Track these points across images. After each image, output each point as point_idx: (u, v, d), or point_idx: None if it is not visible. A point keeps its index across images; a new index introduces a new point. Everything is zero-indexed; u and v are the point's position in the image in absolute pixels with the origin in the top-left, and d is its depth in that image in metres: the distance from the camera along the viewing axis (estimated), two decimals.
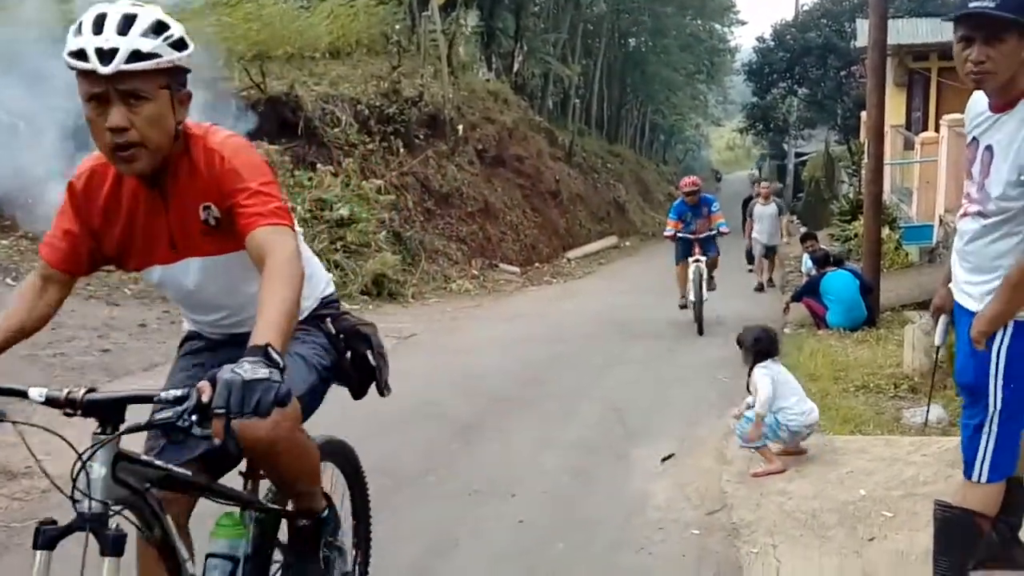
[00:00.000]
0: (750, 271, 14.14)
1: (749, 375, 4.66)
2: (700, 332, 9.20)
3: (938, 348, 3.25)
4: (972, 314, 2.65)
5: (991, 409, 2.62)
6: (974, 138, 2.69)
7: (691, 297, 9.40)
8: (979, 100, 2.70)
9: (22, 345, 6.46)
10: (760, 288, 13.16)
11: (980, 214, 2.63)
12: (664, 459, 4.76)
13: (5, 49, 7.39)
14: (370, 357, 2.68)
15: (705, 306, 9.50)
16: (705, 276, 9.47)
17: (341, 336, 2.63)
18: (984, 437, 2.63)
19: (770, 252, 13.37)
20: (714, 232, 9.82)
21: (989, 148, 2.60)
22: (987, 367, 2.61)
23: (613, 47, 35.41)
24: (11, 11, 8.72)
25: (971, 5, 2.48)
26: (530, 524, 4.01)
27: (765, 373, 4.53)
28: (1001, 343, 2.58)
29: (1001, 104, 2.57)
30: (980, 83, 2.56)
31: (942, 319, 3.05)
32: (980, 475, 2.65)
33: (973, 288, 2.67)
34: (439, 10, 17.77)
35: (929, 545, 2.87)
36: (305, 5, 17.52)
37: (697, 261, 9.50)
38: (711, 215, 9.89)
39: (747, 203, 13.20)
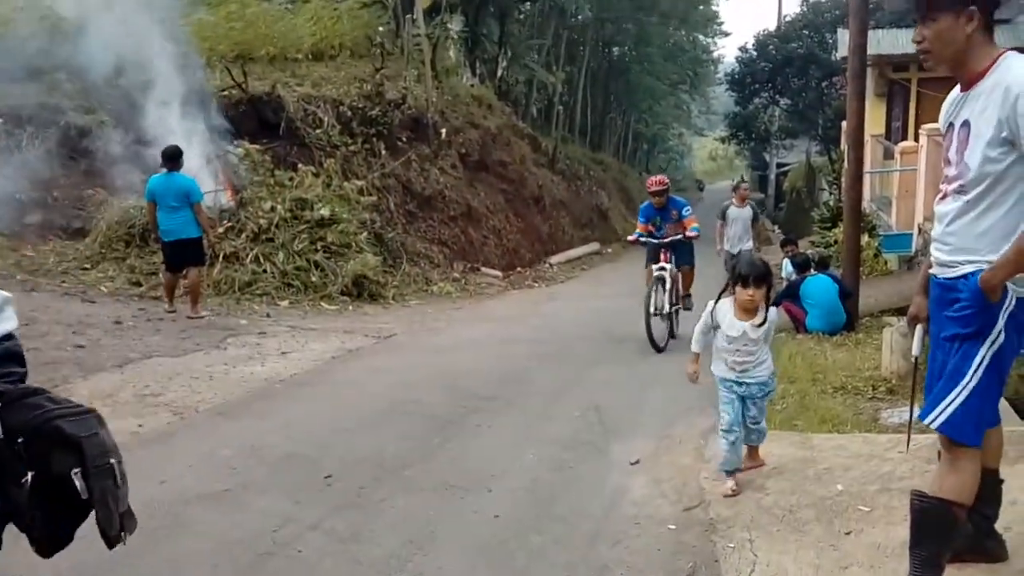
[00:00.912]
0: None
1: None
2: (657, 349, 8.19)
3: (916, 357, 3.22)
4: (967, 276, 2.62)
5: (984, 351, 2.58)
6: (950, 124, 2.73)
7: (650, 307, 8.21)
8: (952, 94, 2.79)
9: None
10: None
11: (961, 190, 2.64)
12: (633, 463, 4.73)
13: None
14: (77, 482, 1.63)
15: (675, 323, 8.87)
16: (669, 285, 8.54)
17: (18, 440, 1.57)
18: (964, 385, 2.60)
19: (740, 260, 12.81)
20: (681, 237, 8.79)
21: (965, 123, 2.65)
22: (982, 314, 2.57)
23: (597, 55, 35.57)
24: None
25: None
26: (507, 518, 3.98)
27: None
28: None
29: (967, 84, 2.66)
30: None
31: (918, 329, 3.05)
32: (936, 419, 2.65)
33: (971, 269, 2.62)
34: (423, 14, 17.75)
35: (906, 538, 2.86)
36: (288, 6, 17.48)
37: (661, 269, 8.57)
38: (682, 220, 8.88)
39: (725, 211, 12.25)
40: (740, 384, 4.18)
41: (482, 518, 3.99)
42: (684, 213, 8.93)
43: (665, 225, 8.93)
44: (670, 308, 8.68)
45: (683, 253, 8.98)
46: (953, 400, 2.61)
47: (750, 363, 4.16)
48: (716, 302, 4.25)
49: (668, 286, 8.50)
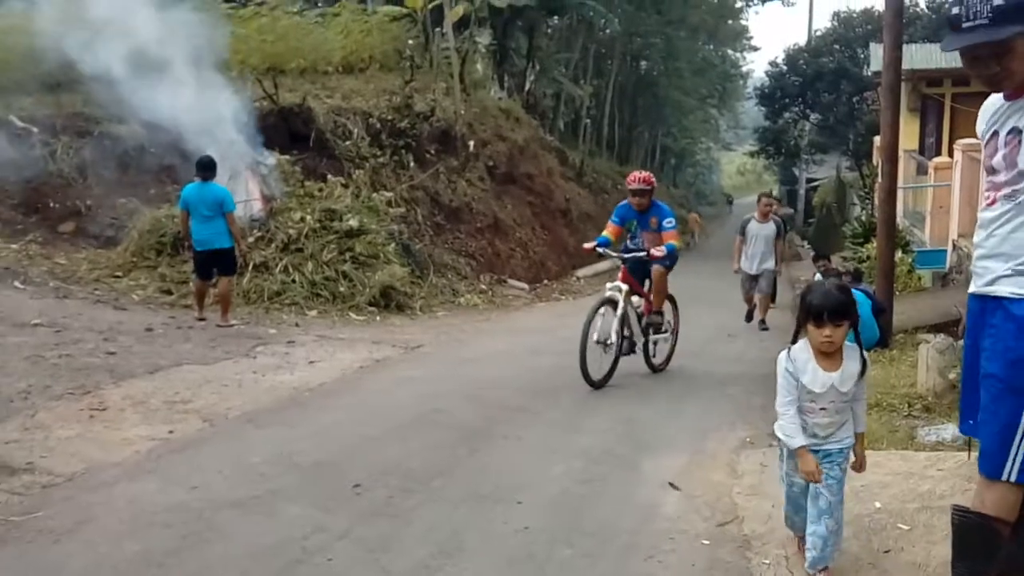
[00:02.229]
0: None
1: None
2: (591, 383, 6.79)
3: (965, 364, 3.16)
4: (1003, 302, 2.58)
5: None
6: (994, 132, 2.68)
7: (589, 332, 6.70)
8: (991, 101, 2.74)
9: (28, 347, 6.50)
10: (749, 318, 11.26)
11: (1012, 194, 2.60)
12: (672, 485, 4.60)
13: None
14: None
15: (652, 352, 7.74)
16: (622, 311, 7.05)
17: None
18: (1020, 434, 2.54)
19: (758, 284, 11.05)
20: (644, 255, 7.35)
21: (1014, 129, 2.61)
22: None
23: (625, 69, 35.57)
24: None
25: (965, 31, 2.49)
26: (537, 530, 3.94)
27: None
28: None
29: (1015, 92, 2.61)
30: (998, 87, 2.63)
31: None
32: (1011, 474, 2.56)
33: (1005, 271, 2.59)
34: (453, 28, 17.86)
35: (947, 557, 2.80)
36: (319, 19, 17.67)
37: (616, 289, 7.12)
38: (662, 231, 7.41)
39: (744, 227, 11.21)
40: (817, 451, 3.22)
41: (511, 530, 3.95)
42: (665, 224, 7.43)
43: (641, 233, 7.59)
44: (637, 342, 7.46)
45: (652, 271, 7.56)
46: (1018, 451, 2.56)
47: (836, 424, 3.22)
48: (790, 347, 3.24)
49: (620, 311, 6.99)
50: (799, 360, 3.18)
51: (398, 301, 11.68)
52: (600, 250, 7.52)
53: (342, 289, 11.17)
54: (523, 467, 4.94)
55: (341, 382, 7.14)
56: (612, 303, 7.00)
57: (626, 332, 7.26)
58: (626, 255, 7.40)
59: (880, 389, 6.56)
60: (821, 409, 3.17)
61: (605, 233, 7.62)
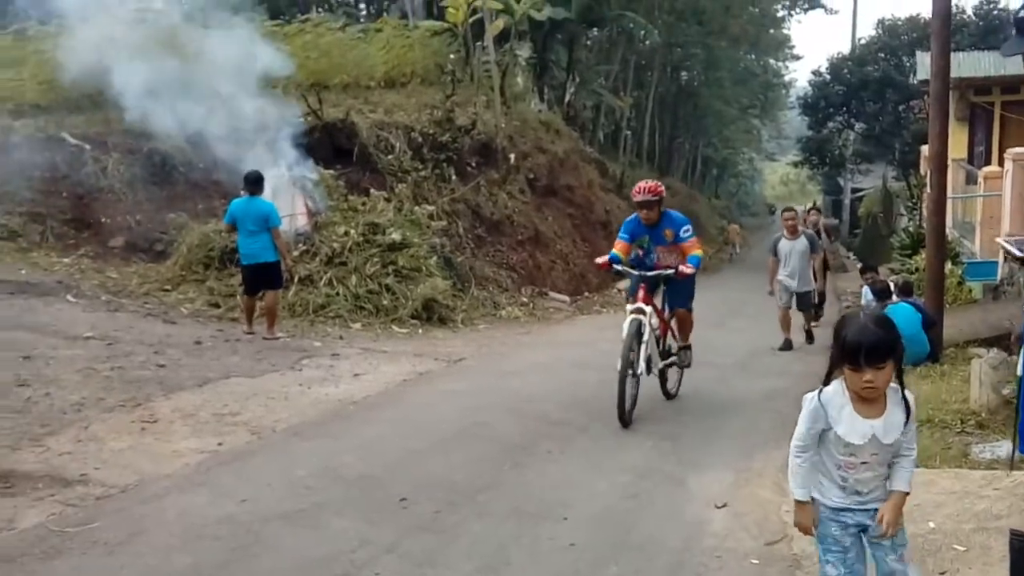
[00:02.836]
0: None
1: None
2: (624, 422, 6.11)
3: (1021, 379, 3.10)
4: None
5: None
6: None
7: (628, 365, 6.04)
8: None
9: (81, 359, 6.63)
10: (787, 347, 10.15)
11: None
12: (719, 506, 4.53)
13: None
14: None
15: (668, 379, 7.11)
16: (647, 335, 6.33)
17: None
18: None
19: (802, 302, 10.42)
20: (673, 272, 6.57)
21: None
22: None
23: (665, 80, 35.45)
24: None
25: None
26: (582, 546, 3.93)
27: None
28: None
29: None
30: None
31: None
32: None
33: None
34: (493, 41, 17.98)
35: None
36: (361, 35, 17.90)
37: (639, 312, 6.30)
38: (679, 242, 6.68)
39: (775, 245, 10.47)
40: (857, 512, 2.73)
41: (557, 546, 3.94)
42: (683, 235, 6.68)
43: (655, 248, 6.79)
44: (654, 365, 6.69)
45: (676, 291, 6.85)
46: None
47: (882, 477, 2.72)
48: (821, 388, 2.72)
49: (647, 336, 6.30)
50: (832, 406, 2.65)
51: (440, 314, 11.73)
52: (618, 267, 6.68)
53: (385, 302, 11.26)
54: (568, 482, 4.93)
55: (385, 395, 7.19)
56: (638, 327, 6.24)
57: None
58: (649, 273, 6.56)
59: (932, 405, 6.43)
60: (862, 463, 2.66)
61: (615, 251, 6.75)
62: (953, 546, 3.59)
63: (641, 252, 6.87)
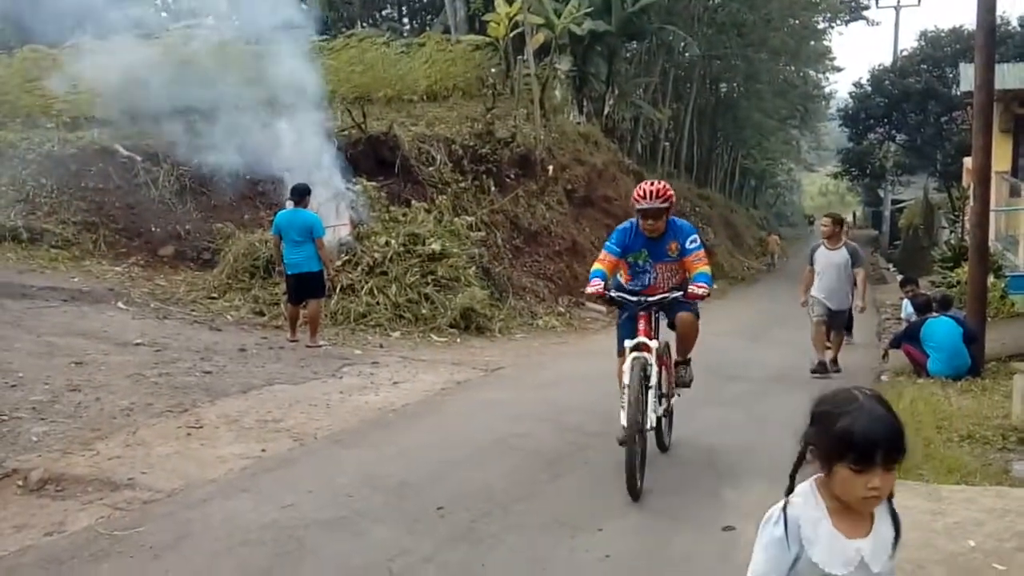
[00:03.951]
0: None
1: None
2: (635, 494, 4.72)
3: None
4: None
5: None
6: None
7: (636, 419, 4.74)
8: None
9: (131, 365, 6.81)
10: (821, 369, 9.12)
11: None
12: (725, 528, 4.41)
13: None
14: None
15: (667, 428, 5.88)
16: (655, 379, 5.10)
17: None
18: None
19: (835, 320, 9.36)
20: (680, 295, 5.31)
21: None
22: None
23: (704, 92, 35.33)
24: None
25: None
26: (619, 559, 3.96)
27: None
28: None
29: None
30: None
31: None
32: None
33: None
34: (533, 55, 18.13)
35: None
36: (405, 50, 18.17)
37: (641, 347, 5.03)
38: (685, 257, 5.44)
39: (813, 254, 9.56)
40: None
41: (593, 558, 3.98)
42: (689, 246, 5.42)
43: (654, 266, 5.51)
44: (660, 414, 5.51)
45: (680, 309, 5.51)
46: None
47: None
48: (786, 500, 2.01)
49: (654, 381, 5.06)
50: (805, 522, 1.95)
51: (478, 323, 11.84)
52: (614, 295, 5.33)
53: (424, 311, 11.40)
54: (603, 494, 4.95)
55: (424, 404, 7.29)
56: (643, 370, 4.93)
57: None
58: (653, 298, 5.30)
59: (972, 420, 6.37)
60: None
61: (600, 267, 5.36)
62: (993, 565, 3.57)
63: (628, 272, 5.59)
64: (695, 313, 5.60)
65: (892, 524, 2.01)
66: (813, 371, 9.15)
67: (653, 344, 5.11)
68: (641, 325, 5.16)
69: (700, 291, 5.21)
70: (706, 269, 5.38)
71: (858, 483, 1.86)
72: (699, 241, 5.50)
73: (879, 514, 1.99)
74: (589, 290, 5.23)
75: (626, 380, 4.88)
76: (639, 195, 5.34)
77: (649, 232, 5.38)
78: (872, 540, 1.96)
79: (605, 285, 5.25)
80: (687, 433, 6.52)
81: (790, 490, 2.01)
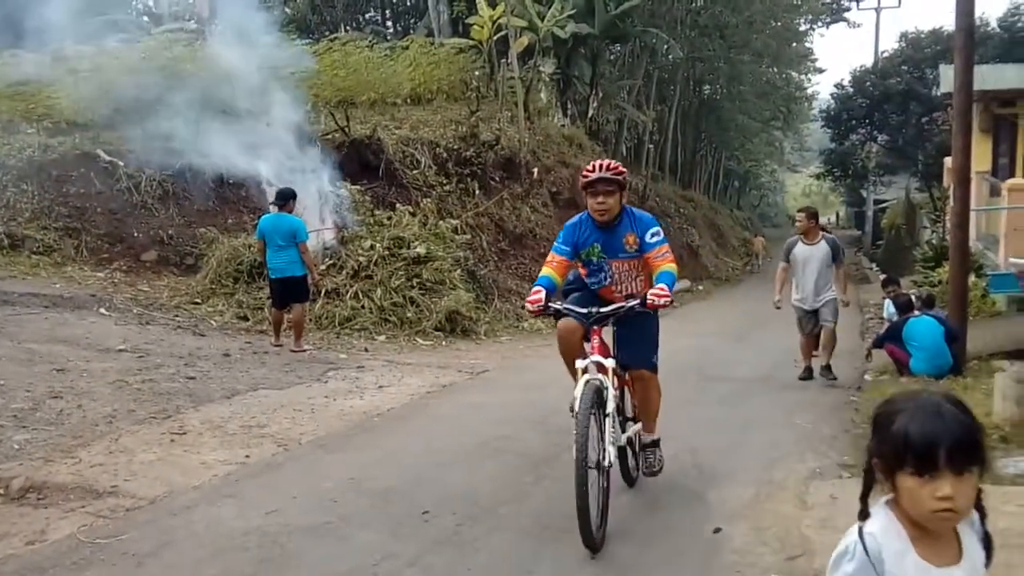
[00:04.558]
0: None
1: None
2: (592, 547, 3.95)
3: None
4: None
5: None
6: None
7: (587, 454, 3.88)
8: None
9: (113, 372, 6.76)
10: (808, 375, 8.90)
11: None
12: (715, 531, 4.39)
13: None
14: None
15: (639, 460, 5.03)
16: (612, 403, 4.21)
17: None
18: None
19: (824, 314, 8.76)
20: (635, 304, 4.36)
21: None
22: None
23: (688, 94, 35.47)
24: None
25: None
26: (605, 560, 3.97)
27: None
28: None
29: None
30: None
31: None
32: None
33: None
34: (517, 58, 18.16)
35: None
36: (389, 53, 18.16)
37: (597, 369, 4.25)
38: (645, 252, 4.58)
39: (790, 251, 9.07)
40: None
41: (579, 560, 3.98)
42: (650, 240, 4.57)
43: (609, 263, 4.71)
44: (624, 443, 4.77)
45: (633, 336, 4.69)
46: None
47: None
48: (860, 528, 1.71)
49: (611, 406, 4.20)
50: (888, 550, 1.66)
51: (463, 326, 11.84)
52: (558, 306, 4.42)
53: (409, 315, 11.40)
54: None
55: (409, 407, 7.28)
56: (597, 394, 4.12)
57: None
58: (605, 310, 4.40)
59: None
60: None
61: (548, 271, 4.56)
62: None
63: (584, 270, 4.83)
64: (652, 367, 4.79)
65: (984, 546, 1.72)
66: (800, 378, 8.93)
67: (609, 363, 4.29)
68: (595, 342, 4.35)
69: (661, 300, 4.24)
70: (671, 267, 4.49)
71: (924, 493, 1.59)
72: (662, 234, 4.64)
73: (965, 535, 1.70)
74: (529, 307, 4.39)
75: (577, 406, 3.99)
76: (587, 169, 4.57)
77: (600, 215, 4.54)
78: (965, 568, 1.67)
79: (549, 296, 4.39)
80: (670, 435, 6.53)
81: (863, 514, 1.73)
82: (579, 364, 4.28)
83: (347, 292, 11.28)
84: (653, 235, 4.58)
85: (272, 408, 6.79)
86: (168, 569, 3.78)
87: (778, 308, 9.12)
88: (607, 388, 4.21)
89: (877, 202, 38.54)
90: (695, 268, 25.53)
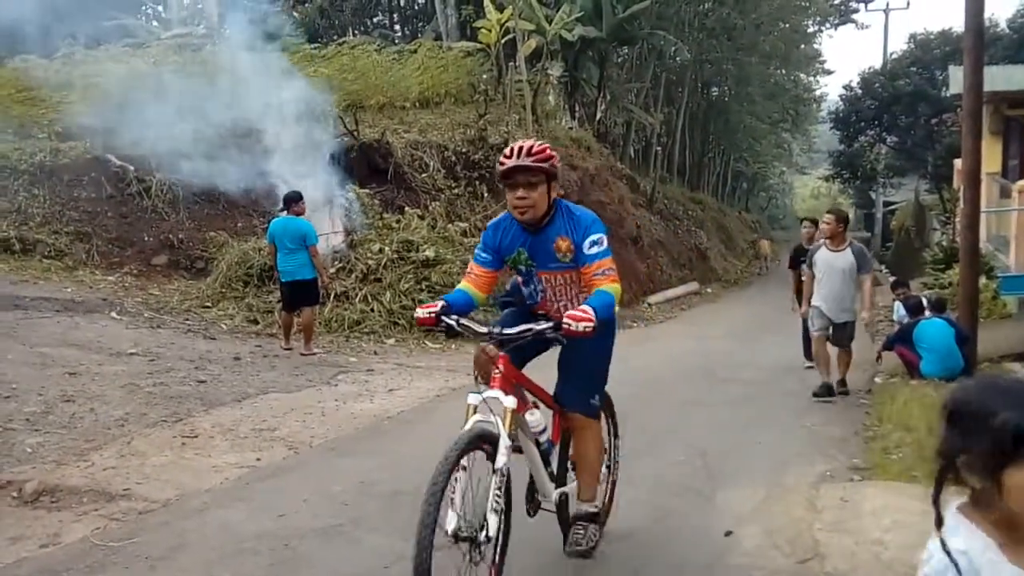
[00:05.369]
0: (809, 367, 9.17)
1: None
2: None
3: None
4: None
5: None
6: None
7: (449, 524, 3.16)
8: None
9: (124, 375, 6.78)
10: (825, 392, 7.97)
11: None
12: (727, 534, 4.38)
13: None
14: None
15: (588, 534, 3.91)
16: (502, 447, 3.26)
17: None
18: None
19: (839, 334, 8.16)
20: (551, 327, 3.31)
21: None
22: None
23: (696, 96, 35.43)
24: None
25: None
26: (612, 562, 3.96)
27: None
28: None
29: None
30: None
31: None
32: None
33: None
34: (525, 61, 18.18)
35: None
36: (397, 57, 18.22)
37: (486, 411, 3.30)
38: (585, 265, 3.55)
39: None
40: None
41: (585, 562, 3.98)
42: (588, 252, 3.55)
43: (537, 274, 3.75)
44: (541, 495, 3.87)
45: (571, 367, 3.88)
46: None
47: None
48: (939, 534, 1.59)
49: (502, 459, 3.28)
50: (976, 556, 1.53)
51: None
52: (451, 322, 3.43)
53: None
54: None
55: (419, 411, 7.28)
56: (484, 444, 3.28)
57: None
58: (505, 333, 3.41)
59: None
60: None
61: (464, 285, 3.73)
62: None
63: (520, 279, 3.86)
64: (591, 412, 3.80)
65: None
66: (816, 394, 7.97)
67: (509, 402, 3.32)
68: (495, 372, 3.35)
69: (579, 326, 3.18)
70: (610, 288, 3.47)
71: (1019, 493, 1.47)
72: (605, 244, 3.57)
73: None
74: (419, 314, 3.47)
75: (443, 454, 3.11)
76: (504, 154, 3.52)
77: (521, 213, 3.52)
78: None
79: (444, 309, 3.45)
80: (679, 437, 6.54)
81: (940, 521, 1.60)
82: (470, 400, 3.38)
83: (356, 295, 11.31)
84: (593, 244, 3.52)
85: (282, 411, 6.81)
86: (181, 572, 3.79)
87: (802, 315, 8.80)
88: (500, 440, 3.24)
89: (886, 204, 38.40)
90: (704, 270, 25.49)
